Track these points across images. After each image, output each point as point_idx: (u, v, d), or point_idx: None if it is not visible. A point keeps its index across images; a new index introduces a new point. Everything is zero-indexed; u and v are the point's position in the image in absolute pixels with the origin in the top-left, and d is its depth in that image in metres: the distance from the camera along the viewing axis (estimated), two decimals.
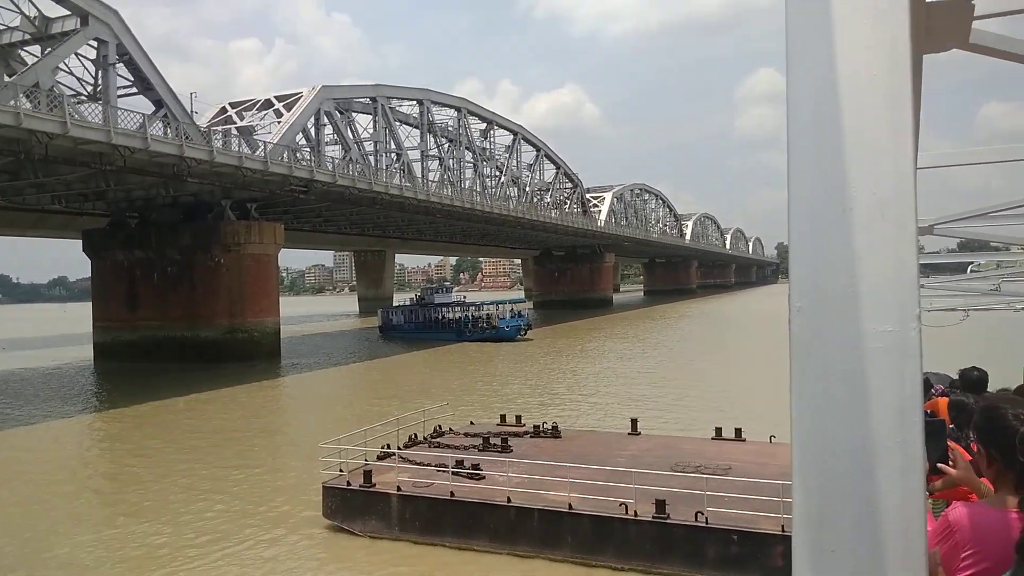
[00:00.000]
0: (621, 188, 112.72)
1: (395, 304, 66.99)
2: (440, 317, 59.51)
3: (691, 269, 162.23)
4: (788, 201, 1.70)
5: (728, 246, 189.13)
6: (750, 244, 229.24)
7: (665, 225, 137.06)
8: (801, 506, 1.57)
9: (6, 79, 30.09)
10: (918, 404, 1.53)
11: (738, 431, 16.45)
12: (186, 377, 36.59)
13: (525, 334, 54.67)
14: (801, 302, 1.62)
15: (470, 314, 58.14)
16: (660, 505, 11.30)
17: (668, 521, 11.12)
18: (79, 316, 72.39)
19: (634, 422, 17.53)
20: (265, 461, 19.32)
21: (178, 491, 16.53)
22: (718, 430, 16.73)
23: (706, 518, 10.95)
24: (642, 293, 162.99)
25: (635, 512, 11.36)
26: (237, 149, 40.21)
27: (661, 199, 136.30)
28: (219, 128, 43.48)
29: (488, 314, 57.25)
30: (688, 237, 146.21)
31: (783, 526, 10.55)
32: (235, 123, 48.04)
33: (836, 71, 1.65)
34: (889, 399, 1.51)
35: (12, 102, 28.38)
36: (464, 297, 68.66)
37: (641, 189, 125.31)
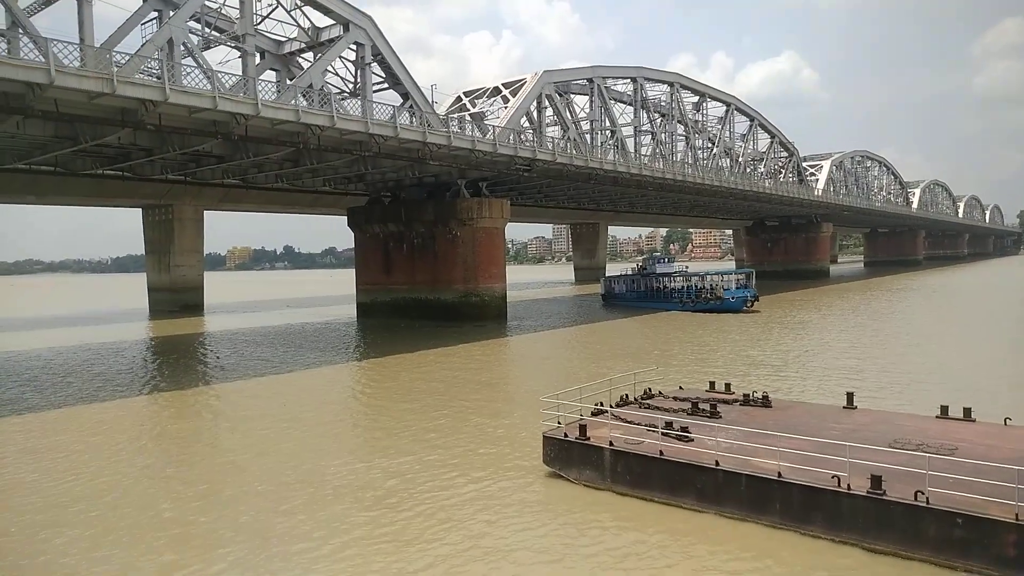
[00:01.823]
0: (841, 155, 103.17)
1: (615, 273, 66.02)
2: (662, 287, 57.25)
3: (917, 239, 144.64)
4: None
5: (961, 214, 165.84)
6: (987, 212, 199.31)
7: (889, 193, 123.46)
8: None
9: (288, 83, 33.86)
10: None
11: (967, 410, 14.62)
12: (431, 333, 39.60)
13: (751, 306, 51.09)
14: None
15: (693, 284, 55.45)
16: (876, 480, 10.45)
17: (884, 497, 10.25)
18: (344, 280, 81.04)
19: (850, 396, 16.14)
20: (496, 409, 20.26)
21: (429, 431, 17.80)
22: (944, 408, 15.00)
23: (927, 498, 9.96)
24: (862, 264, 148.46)
25: (848, 485, 10.60)
26: (470, 134, 42.13)
27: (885, 166, 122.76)
28: (455, 115, 45.80)
29: (712, 284, 54.13)
30: (915, 205, 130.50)
31: (1017, 514, 9.34)
32: (468, 110, 50.40)
33: None
34: None
35: (293, 101, 32.04)
36: (687, 268, 65.86)
37: (863, 156, 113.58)
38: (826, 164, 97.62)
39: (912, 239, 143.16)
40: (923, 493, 10.04)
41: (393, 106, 37.23)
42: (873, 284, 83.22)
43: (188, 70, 28.38)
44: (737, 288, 53.50)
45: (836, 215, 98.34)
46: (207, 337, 42.69)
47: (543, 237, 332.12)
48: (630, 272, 63.44)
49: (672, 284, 56.91)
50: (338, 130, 33.66)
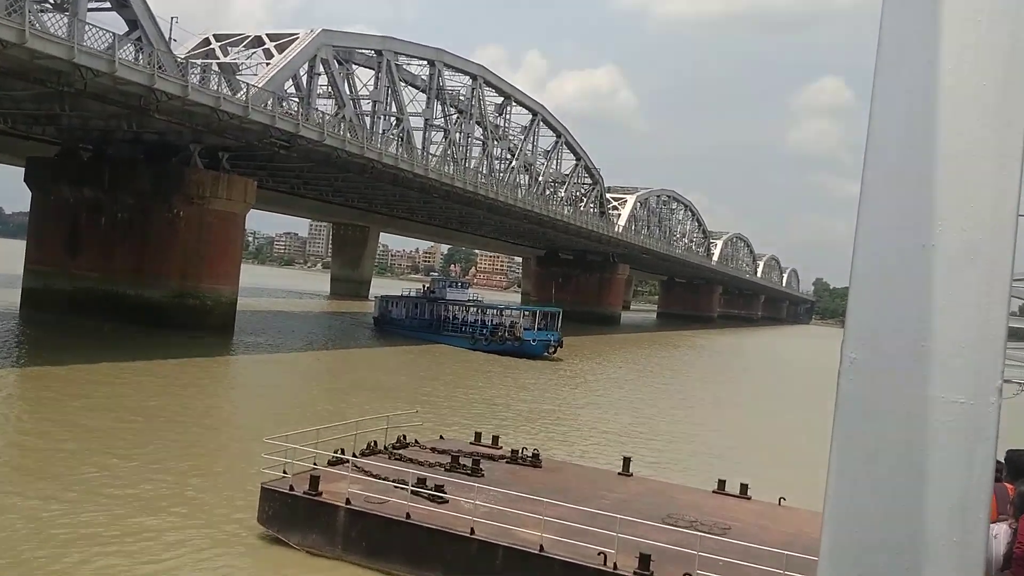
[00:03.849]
0: (647, 192, 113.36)
1: (394, 294, 64.78)
2: (451, 316, 57.10)
3: (714, 295, 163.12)
4: (856, 228, 1.58)
5: (760, 274, 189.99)
6: (784, 275, 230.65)
7: (692, 241, 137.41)
8: None
9: None
10: (986, 497, 1.41)
11: (744, 487, 16.34)
12: (127, 341, 36.42)
13: (554, 352, 51.79)
14: (857, 353, 1.50)
15: (490, 318, 55.69)
16: (644, 560, 11.20)
17: None
18: (8, 253, 72.22)
19: (627, 461, 17.35)
20: (200, 448, 19.30)
21: (97, 469, 16.47)
22: (721, 483, 16.62)
23: None
24: (655, 315, 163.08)
25: (615, 564, 11.23)
26: (216, 88, 40.11)
27: (691, 211, 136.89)
28: (198, 62, 43.37)
29: (513, 322, 54.28)
30: (716, 258, 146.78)
31: None
32: (217, 58, 47.92)
33: (936, 78, 1.53)
34: (951, 487, 1.39)
35: None
36: (480, 297, 66.24)
37: (669, 196, 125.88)
38: (631, 199, 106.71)
39: (709, 294, 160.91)
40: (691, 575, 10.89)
41: (115, 33, 34.54)
42: (667, 338, 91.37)
43: None
44: (540, 330, 54.25)
45: (635, 257, 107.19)
46: None
47: (296, 234, 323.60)
48: (414, 294, 63.45)
49: (464, 315, 57.15)
50: (29, 50, 30.36)
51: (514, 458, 16.93)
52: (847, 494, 1.48)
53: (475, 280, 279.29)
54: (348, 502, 12.87)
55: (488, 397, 32.89)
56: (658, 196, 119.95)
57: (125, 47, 34.61)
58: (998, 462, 6.89)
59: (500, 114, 72.46)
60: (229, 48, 49.81)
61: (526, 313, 57.03)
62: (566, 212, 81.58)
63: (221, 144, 44.75)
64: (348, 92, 52.75)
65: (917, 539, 1.41)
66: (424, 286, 67.36)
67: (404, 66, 58.95)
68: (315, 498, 13.10)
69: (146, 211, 44.54)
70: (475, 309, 57.84)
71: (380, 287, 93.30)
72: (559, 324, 56.03)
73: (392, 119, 57.55)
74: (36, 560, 11.84)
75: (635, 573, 11.09)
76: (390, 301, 63.35)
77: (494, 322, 55.22)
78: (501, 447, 18.19)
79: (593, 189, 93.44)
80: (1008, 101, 1.49)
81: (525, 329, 53.11)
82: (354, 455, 15.16)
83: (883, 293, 1.56)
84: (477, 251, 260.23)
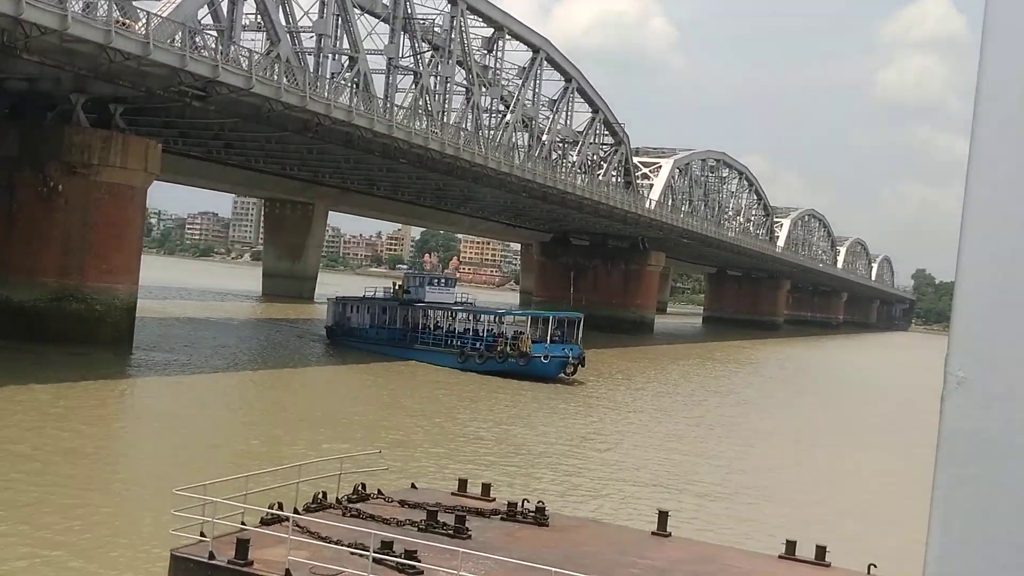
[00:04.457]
0: (688, 155, 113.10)
1: (354, 295, 63.90)
2: (432, 325, 56.86)
3: (779, 293, 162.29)
4: (964, 203, 1.61)
5: (841, 264, 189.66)
6: (874, 266, 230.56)
7: (749, 221, 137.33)
8: None
9: None
10: None
11: (821, 550, 16.31)
12: None
13: (573, 373, 51.61)
14: (966, 371, 1.53)
15: (485, 327, 55.67)
16: None
17: None
18: None
19: (663, 516, 17.10)
20: (86, 506, 19.14)
21: None
22: (790, 544, 16.59)
23: None
24: (700, 319, 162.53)
25: None
26: (105, 16, 39.92)
27: (747, 180, 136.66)
28: None
29: (517, 332, 53.74)
30: (782, 243, 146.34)
31: None
32: None
33: None
34: None
35: None
36: (472, 299, 66.17)
37: (718, 161, 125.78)
38: (666, 165, 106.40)
39: (772, 292, 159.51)
40: None
41: None
42: (716, 351, 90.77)
43: None
44: (554, 342, 52.89)
45: (672, 242, 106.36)
46: None
47: (215, 214, 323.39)
48: (382, 295, 63.09)
49: (450, 323, 56.83)
50: None
51: (512, 513, 16.65)
52: (953, 556, 1.51)
53: (458, 274, 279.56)
54: (288, 574, 12.65)
55: (477, 432, 32.58)
56: (703, 161, 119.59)
57: None
58: None
59: (489, 51, 72.28)
60: None
61: (535, 320, 55.68)
62: (580, 182, 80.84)
63: (113, 94, 44.60)
64: (284, 23, 52.58)
65: None
66: (395, 284, 66.51)
67: None
68: (244, 568, 12.89)
69: (11, 185, 44.42)
70: (465, 315, 57.27)
71: (331, 284, 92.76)
72: (579, 334, 55.22)
73: (344, 59, 57.41)
74: None
75: None
76: (349, 305, 62.87)
77: (491, 332, 54.86)
78: (494, 499, 17.83)
79: (616, 151, 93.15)
80: None
81: (534, 342, 51.96)
82: (296, 511, 15.01)
83: (1000, 292, 1.58)
84: (460, 235, 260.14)
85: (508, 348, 51.93)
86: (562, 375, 51.20)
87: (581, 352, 52.74)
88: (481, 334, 55.15)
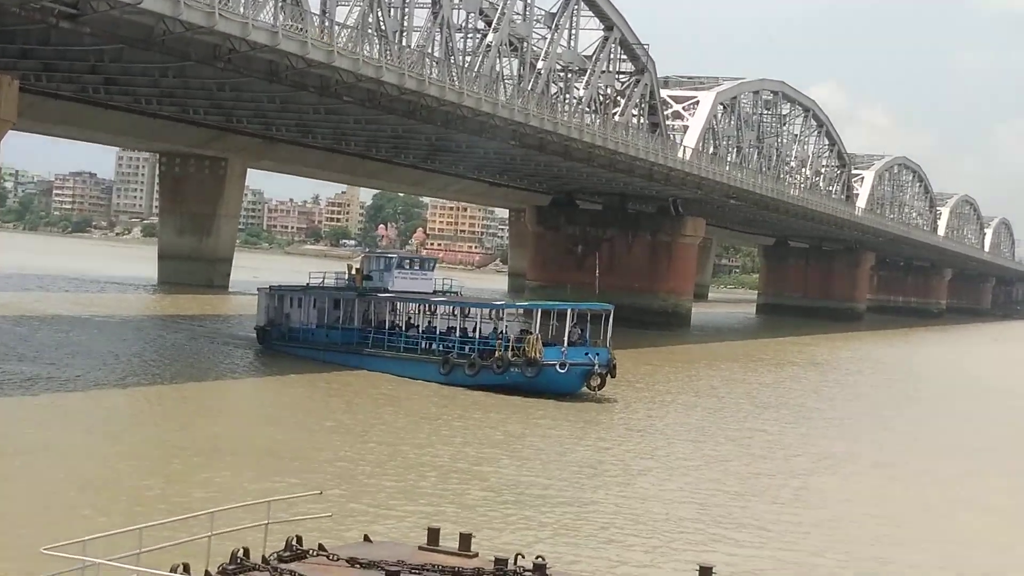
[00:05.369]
0: (735, 86, 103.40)
1: (292, 283, 58.95)
2: (402, 323, 51.85)
3: (860, 272, 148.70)
4: None
5: (943, 231, 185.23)
6: (987, 232, 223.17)
7: (818, 174, 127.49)
8: None
9: None
10: None
11: None
12: None
13: (601, 386, 45.41)
14: None
15: (476, 324, 49.10)
16: None
17: None
18: None
19: (705, 572, 14.08)
20: None
21: None
22: None
23: None
24: (753, 307, 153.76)
25: None
26: None
27: (816, 119, 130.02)
28: None
29: (523, 331, 48.62)
30: (862, 204, 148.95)
31: None
32: None
33: None
34: None
35: None
36: (457, 286, 59.99)
37: (775, 93, 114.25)
38: (706, 99, 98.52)
39: (851, 270, 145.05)
40: None
41: None
42: (775, 349, 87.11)
43: None
44: (572, 344, 46.18)
45: (715, 204, 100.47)
46: None
47: (92, 175, 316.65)
48: (334, 283, 57.09)
49: (429, 320, 52.33)
50: None
51: (501, 573, 14.25)
52: None
53: (424, 250, 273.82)
54: None
55: (453, 463, 31.03)
56: (755, 94, 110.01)
57: None
58: None
59: None
60: None
61: (547, 314, 48.97)
62: (588, 124, 74.72)
63: None
64: None
65: None
66: (351, 268, 58.82)
67: None
68: None
69: None
70: (449, 309, 52.12)
71: (252, 268, 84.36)
72: (609, 334, 48.06)
73: None
74: None
75: None
76: (287, 297, 56.16)
77: (485, 331, 48.73)
78: (476, 554, 15.29)
79: (637, 82, 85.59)
80: None
81: (546, 344, 45.64)
82: (208, 573, 13.38)
83: None
84: (426, 199, 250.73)
85: (510, 353, 45.59)
86: (585, 389, 45.59)
87: (611, 357, 46.23)
88: (471, 335, 49.05)
